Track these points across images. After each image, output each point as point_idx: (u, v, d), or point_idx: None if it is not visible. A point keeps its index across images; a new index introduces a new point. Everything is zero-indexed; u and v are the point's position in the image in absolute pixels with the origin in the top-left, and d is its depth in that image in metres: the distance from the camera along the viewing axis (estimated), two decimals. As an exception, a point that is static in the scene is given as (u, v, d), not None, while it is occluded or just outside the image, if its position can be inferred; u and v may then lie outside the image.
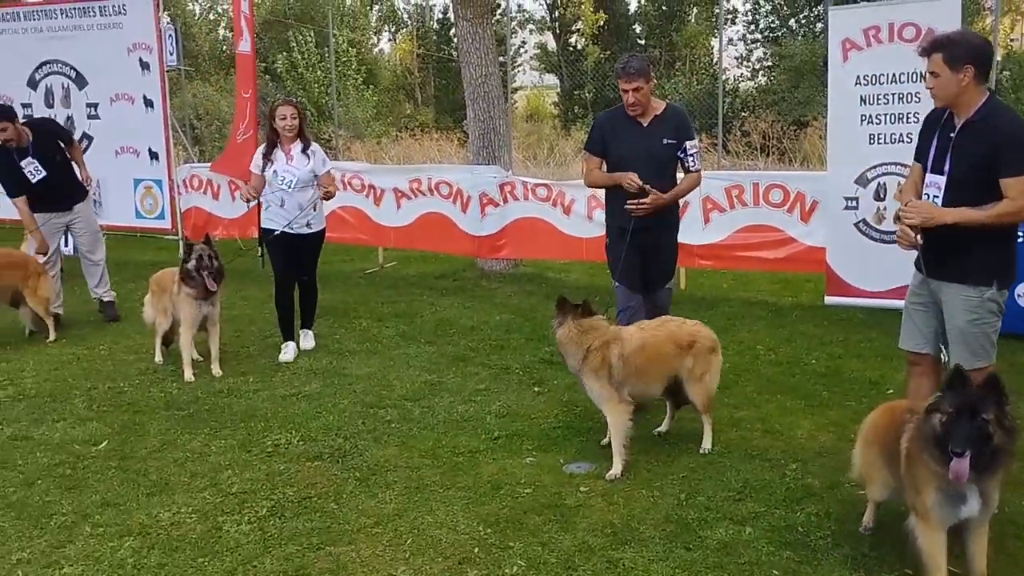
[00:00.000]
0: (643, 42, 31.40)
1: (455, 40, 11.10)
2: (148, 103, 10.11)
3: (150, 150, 10.22)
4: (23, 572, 3.59)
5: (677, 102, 10.84)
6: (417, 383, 5.95)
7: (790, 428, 4.99)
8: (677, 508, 4.02)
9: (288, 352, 6.51)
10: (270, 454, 4.76)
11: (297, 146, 6.39)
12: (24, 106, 10.70)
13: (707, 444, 4.69)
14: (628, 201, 5.07)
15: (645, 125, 5.19)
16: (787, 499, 4.09)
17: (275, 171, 6.32)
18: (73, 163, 7.62)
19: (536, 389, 5.81)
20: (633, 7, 32.65)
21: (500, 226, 8.84)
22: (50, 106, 10.67)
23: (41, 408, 5.53)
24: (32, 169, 7.19)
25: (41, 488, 4.37)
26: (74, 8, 10.47)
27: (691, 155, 5.21)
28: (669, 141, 5.16)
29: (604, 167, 5.35)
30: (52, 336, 7.11)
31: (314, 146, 6.49)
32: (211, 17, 36.01)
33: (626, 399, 4.46)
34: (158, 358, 6.48)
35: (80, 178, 7.64)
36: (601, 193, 5.91)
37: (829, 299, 7.51)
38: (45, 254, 7.28)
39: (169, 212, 10.40)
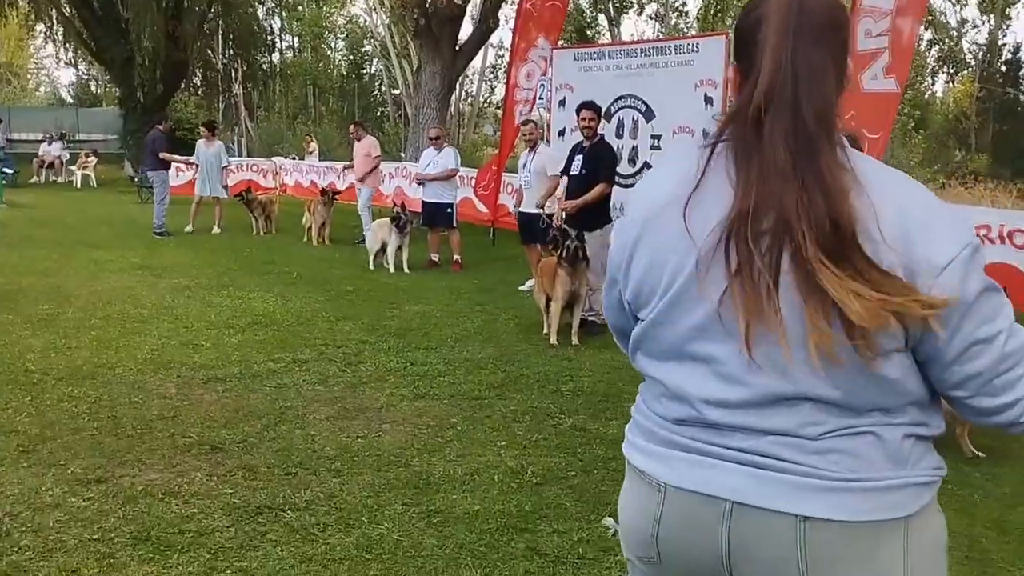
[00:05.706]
0: None
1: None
2: (706, 136, 10.53)
3: (702, 180, 10.65)
4: (582, 550, 3.86)
5: None
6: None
7: None
8: None
9: None
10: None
11: None
12: (597, 136, 11.89)
13: None
14: None
15: None
16: None
17: None
18: None
19: None
20: None
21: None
22: (619, 137, 11.64)
23: (596, 405, 5.98)
24: None
25: (596, 477, 4.68)
26: (652, 47, 11.44)
27: None
28: None
29: None
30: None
31: None
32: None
33: None
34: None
35: None
36: None
37: None
38: None
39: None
